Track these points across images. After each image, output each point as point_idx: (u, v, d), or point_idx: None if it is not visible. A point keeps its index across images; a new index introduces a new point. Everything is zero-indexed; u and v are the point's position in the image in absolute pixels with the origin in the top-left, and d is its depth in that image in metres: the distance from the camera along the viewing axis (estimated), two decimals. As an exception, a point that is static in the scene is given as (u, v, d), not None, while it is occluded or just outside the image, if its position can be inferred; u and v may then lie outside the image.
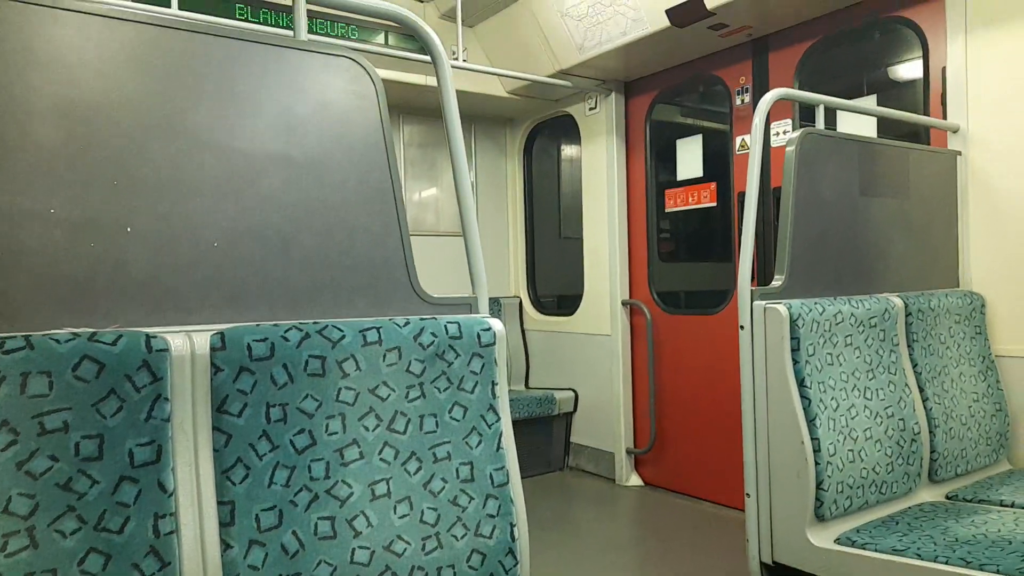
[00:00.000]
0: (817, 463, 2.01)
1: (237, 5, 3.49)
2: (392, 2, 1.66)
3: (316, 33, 3.73)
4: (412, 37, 3.97)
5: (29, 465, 1.10)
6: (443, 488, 1.47)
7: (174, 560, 1.19)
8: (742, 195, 3.63)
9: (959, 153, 2.69)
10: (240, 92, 1.40)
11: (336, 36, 3.81)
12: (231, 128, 1.39)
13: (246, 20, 3.52)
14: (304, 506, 1.32)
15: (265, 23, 3.58)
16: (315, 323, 1.39)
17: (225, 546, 1.25)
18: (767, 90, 2.26)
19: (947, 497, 2.34)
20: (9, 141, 1.18)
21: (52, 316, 1.20)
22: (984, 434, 2.49)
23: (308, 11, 1.55)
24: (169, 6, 2.92)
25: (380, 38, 3.97)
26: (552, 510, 3.85)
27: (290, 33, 1.53)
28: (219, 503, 1.26)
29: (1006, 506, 2.18)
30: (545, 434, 4.54)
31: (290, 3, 1.58)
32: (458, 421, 1.52)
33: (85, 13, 1.26)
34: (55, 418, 1.12)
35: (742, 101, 3.69)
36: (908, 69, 3.13)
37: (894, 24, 3.09)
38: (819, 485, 2.01)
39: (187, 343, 1.27)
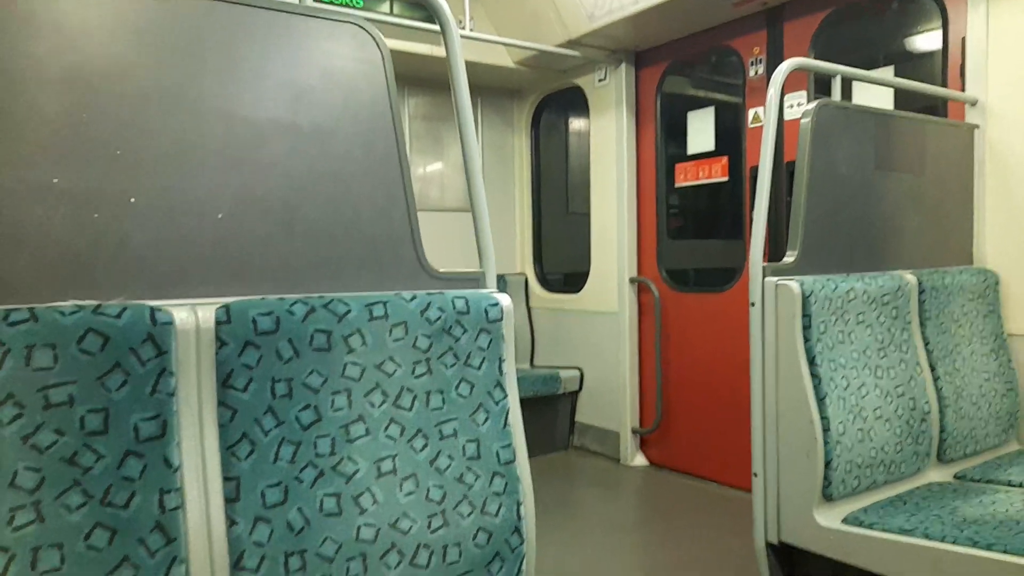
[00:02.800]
0: (826, 442, 2.00)
1: (240, -28, 3.43)
2: None
3: (321, 1, 3.67)
4: (418, 6, 3.89)
5: (35, 439, 1.10)
6: (449, 465, 1.46)
7: (179, 536, 1.18)
8: (754, 169, 3.58)
9: (977, 126, 2.63)
10: (244, 59, 1.37)
11: (341, 5, 3.74)
12: (235, 96, 1.36)
13: (249, -12, 3.46)
14: (310, 482, 1.31)
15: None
16: (321, 297, 1.37)
17: (230, 522, 1.24)
18: (781, 61, 2.20)
19: (955, 477, 2.33)
20: (11, 111, 1.16)
21: (55, 288, 1.19)
22: (994, 414, 2.47)
23: (312, -23, 1.51)
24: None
25: (385, 7, 3.90)
26: (557, 489, 3.86)
27: (295, 1, 1.49)
28: (224, 479, 1.25)
29: (1015, 486, 2.17)
30: (550, 413, 4.53)
31: (294, -31, 1.54)
32: (465, 398, 1.50)
33: None
34: (60, 391, 1.11)
35: (755, 72, 3.62)
36: (926, 40, 3.05)
37: (913, -6, 3.02)
38: (828, 464, 1.99)
39: (192, 316, 1.25)
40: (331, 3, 3.72)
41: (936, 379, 2.35)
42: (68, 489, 1.11)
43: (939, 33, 2.89)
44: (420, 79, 4.54)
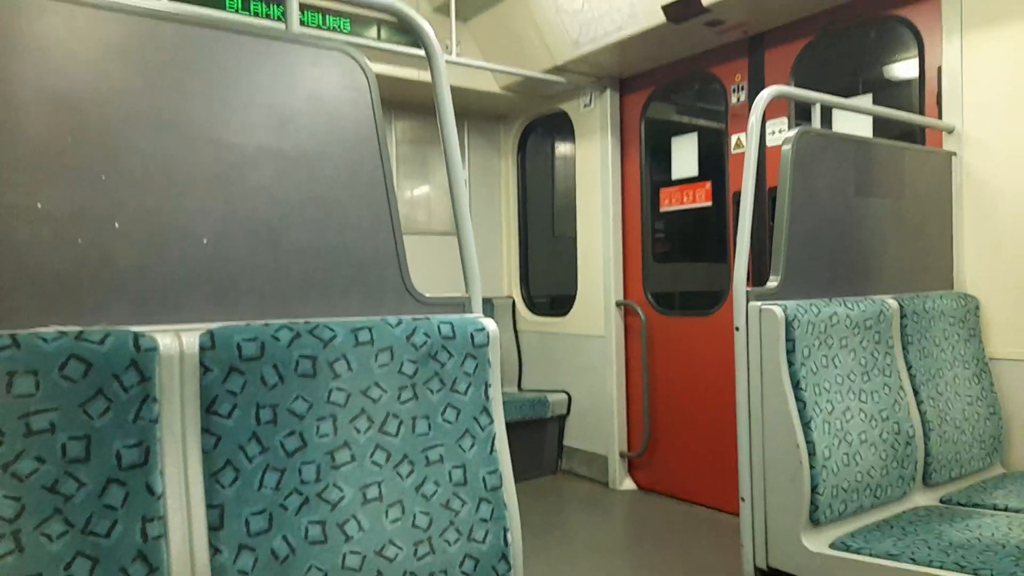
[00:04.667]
0: (812, 466, 2.00)
1: (228, -3, 3.45)
2: None
3: (308, 26, 3.69)
4: (405, 31, 3.93)
5: (15, 467, 1.08)
6: (435, 492, 1.45)
7: (162, 565, 1.16)
8: (737, 194, 3.62)
9: (954, 154, 2.69)
10: (231, 85, 1.37)
11: (328, 30, 3.77)
12: (221, 121, 1.36)
13: (236, 12, 3.48)
14: (294, 510, 1.29)
15: (256, 15, 3.54)
16: (306, 322, 1.36)
17: (214, 551, 1.22)
18: (763, 88, 2.24)
19: (941, 501, 2.34)
20: None
21: (38, 312, 1.17)
22: (978, 438, 2.49)
23: (300, 3, 1.52)
24: (159, -2, 2.88)
25: (372, 32, 3.93)
26: (545, 514, 3.83)
27: (282, 26, 1.50)
28: (208, 506, 1.23)
29: (1000, 510, 2.18)
30: (537, 437, 4.51)
31: (282, -5, 1.55)
32: (451, 423, 1.49)
33: (73, 4, 1.23)
34: (41, 419, 1.10)
35: (738, 99, 3.68)
36: (904, 68, 3.12)
37: (890, 23, 3.09)
38: (814, 489, 2.00)
39: (176, 342, 1.24)
40: (318, 28, 3.75)
41: (919, 403, 2.36)
42: (49, 518, 1.09)
43: (916, 62, 2.96)
44: (407, 103, 4.57)
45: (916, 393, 2.37)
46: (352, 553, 1.33)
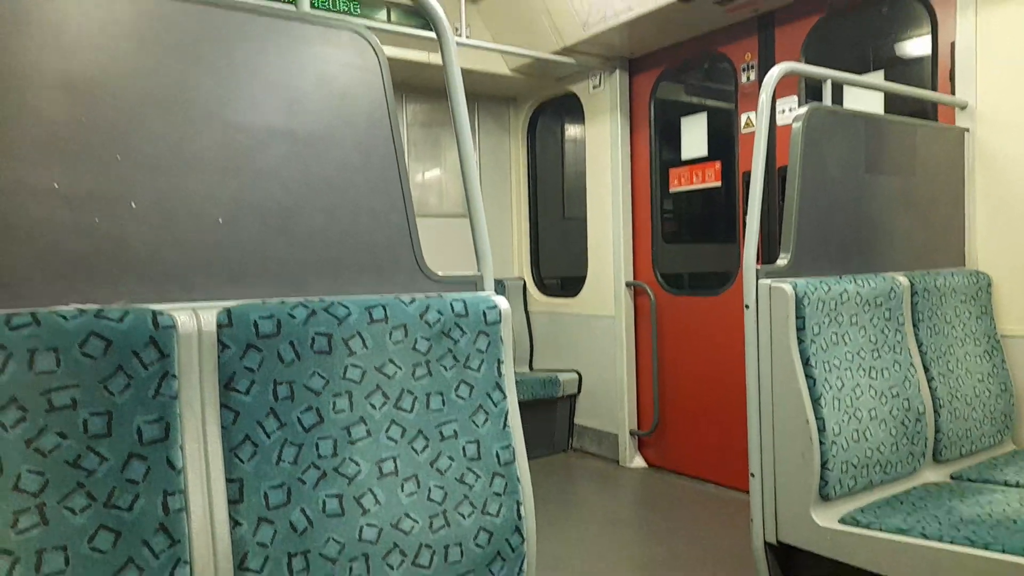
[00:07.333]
0: (822, 443, 2.01)
1: (237, -19, 3.45)
2: None
3: (319, 8, 3.69)
4: (415, 14, 3.92)
5: (38, 442, 1.10)
6: (450, 466, 1.47)
7: (183, 537, 1.19)
8: (747, 174, 3.61)
9: (967, 130, 2.66)
10: (241, 65, 1.38)
11: (338, 12, 3.77)
12: (232, 101, 1.37)
13: (246, -4, 3.48)
14: (312, 484, 1.32)
15: (265, -1, 3.54)
16: (321, 300, 1.38)
17: (234, 523, 1.25)
18: (773, 67, 2.22)
19: (951, 477, 2.35)
20: (11, 115, 1.17)
21: (56, 291, 1.20)
22: (989, 414, 2.49)
23: (310, -16, 1.52)
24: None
25: (382, 14, 3.93)
26: (556, 491, 3.87)
27: (292, 7, 1.50)
28: (227, 480, 1.26)
29: (1011, 486, 2.18)
30: (549, 416, 4.55)
31: (292, -24, 1.56)
32: (464, 399, 1.51)
33: None
34: (63, 395, 1.12)
35: (747, 78, 3.66)
36: (916, 45, 3.09)
37: None
38: (824, 465, 2.01)
39: (194, 320, 1.26)
40: (328, 10, 3.74)
41: (930, 380, 2.37)
42: (72, 492, 1.12)
43: (928, 38, 2.93)
44: (418, 86, 4.57)
45: (927, 370, 2.37)
46: (369, 526, 1.36)
